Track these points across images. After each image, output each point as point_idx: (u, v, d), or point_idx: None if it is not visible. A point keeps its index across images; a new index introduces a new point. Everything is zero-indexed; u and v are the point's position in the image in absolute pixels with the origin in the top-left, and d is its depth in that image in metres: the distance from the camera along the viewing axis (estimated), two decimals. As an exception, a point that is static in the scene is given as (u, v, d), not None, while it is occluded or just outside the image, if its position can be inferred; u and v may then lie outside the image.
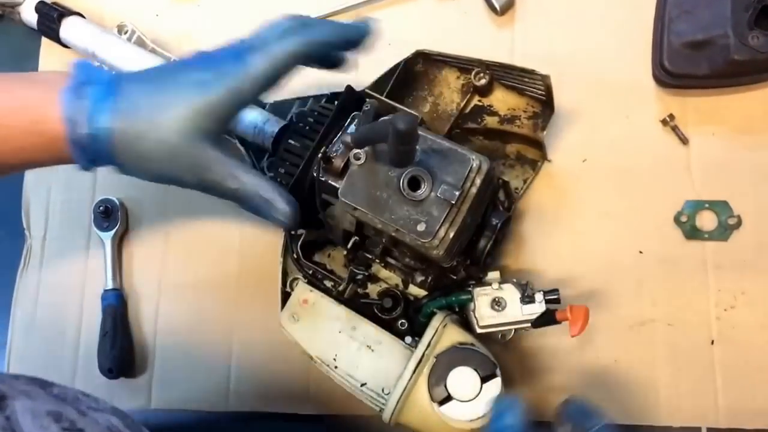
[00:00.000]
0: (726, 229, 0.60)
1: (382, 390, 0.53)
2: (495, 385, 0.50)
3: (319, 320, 0.56)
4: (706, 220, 0.61)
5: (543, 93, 0.59)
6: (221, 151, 0.47)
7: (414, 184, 0.49)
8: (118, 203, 0.67)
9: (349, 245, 0.54)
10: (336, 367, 0.55)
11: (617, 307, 0.60)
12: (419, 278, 0.55)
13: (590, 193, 0.62)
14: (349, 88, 0.56)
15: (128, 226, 0.68)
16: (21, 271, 0.68)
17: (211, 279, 0.66)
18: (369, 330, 0.55)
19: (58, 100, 0.45)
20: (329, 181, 0.52)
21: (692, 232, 0.60)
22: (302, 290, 0.58)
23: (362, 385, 0.54)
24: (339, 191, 0.50)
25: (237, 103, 0.47)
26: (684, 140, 0.62)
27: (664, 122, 0.62)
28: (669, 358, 0.59)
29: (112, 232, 0.67)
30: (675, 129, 0.62)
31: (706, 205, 0.60)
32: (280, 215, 0.48)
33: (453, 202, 0.48)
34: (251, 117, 0.60)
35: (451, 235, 0.49)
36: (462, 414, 0.50)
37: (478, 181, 0.49)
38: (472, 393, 0.50)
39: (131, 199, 0.69)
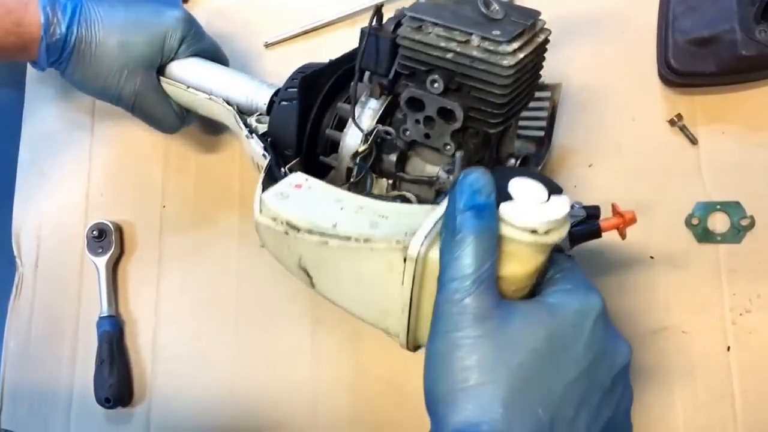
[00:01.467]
0: (739, 230, 0.58)
1: (405, 234, 0.40)
2: (563, 201, 0.38)
3: (315, 198, 0.47)
4: (719, 222, 0.59)
5: (540, 126, 0.56)
6: (157, 80, 0.59)
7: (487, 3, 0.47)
8: (111, 227, 0.66)
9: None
10: (335, 227, 0.43)
11: (629, 314, 0.58)
12: (451, 151, 0.48)
13: (598, 199, 0.60)
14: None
15: (123, 250, 0.66)
16: (12, 300, 0.67)
17: (208, 302, 0.64)
18: (380, 205, 0.45)
19: (37, 7, 0.55)
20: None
21: (704, 235, 0.58)
22: (297, 176, 0.49)
23: (366, 241, 0.41)
24: (408, 8, 0.47)
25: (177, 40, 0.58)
26: (693, 140, 0.60)
27: (671, 122, 0.60)
28: (685, 367, 0.57)
29: (106, 256, 0.65)
30: (683, 129, 0.60)
31: (718, 207, 0.59)
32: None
33: (528, 24, 0.46)
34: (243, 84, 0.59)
35: (522, 56, 0.45)
36: (531, 216, 0.37)
37: (541, 37, 0.48)
38: (539, 198, 0.38)
39: (125, 222, 0.67)
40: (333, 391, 0.61)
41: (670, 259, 0.59)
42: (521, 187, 0.38)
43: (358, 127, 0.51)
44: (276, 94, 0.57)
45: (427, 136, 0.50)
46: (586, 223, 0.47)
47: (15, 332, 0.66)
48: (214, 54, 0.62)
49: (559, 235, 0.38)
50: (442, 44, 0.46)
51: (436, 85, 0.47)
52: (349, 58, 0.55)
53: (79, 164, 0.69)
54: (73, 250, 0.67)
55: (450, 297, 0.37)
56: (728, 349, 0.57)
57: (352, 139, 0.52)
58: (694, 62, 0.58)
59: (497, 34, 0.45)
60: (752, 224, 0.58)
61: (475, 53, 0.46)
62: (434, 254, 0.39)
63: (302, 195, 0.48)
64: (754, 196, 0.58)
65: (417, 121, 0.49)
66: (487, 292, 0.37)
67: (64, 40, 0.55)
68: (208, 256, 0.65)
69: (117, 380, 0.62)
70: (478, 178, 0.39)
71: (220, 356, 0.63)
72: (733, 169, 0.59)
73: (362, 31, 0.51)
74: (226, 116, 0.58)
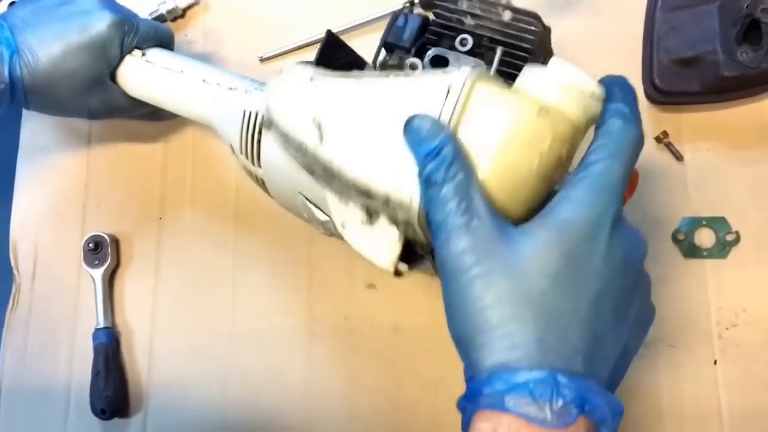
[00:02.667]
0: (725, 246, 0.59)
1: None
2: (587, 76, 0.38)
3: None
4: (705, 238, 0.60)
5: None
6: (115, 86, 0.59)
7: None
8: (107, 239, 0.66)
9: None
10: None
11: (618, 328, 0.59)
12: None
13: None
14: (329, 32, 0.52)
15: (119, 262, 0.67)
16: (9, 311, 0.67)
17: (204, 314, 0.65)
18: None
19: None
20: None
21: (690, 250, 0.60)
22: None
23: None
24: None
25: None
26: (679, 157, 0.61)
27: (657, 139, 0.62)
28: (672, 380, 0.58)
29: (102, 268, 0.66)
30: (669, 146, 0.61)
31: (704, 222, 0.60)
32: None
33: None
34: None
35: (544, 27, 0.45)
36: (540, 78, 0.37)
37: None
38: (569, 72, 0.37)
39: (122, 233, 0.68)
40: (327, 403, 0.62)
41: (658, 273, 0.59)
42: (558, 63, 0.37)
43: None
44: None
45: None
46: None
47: (12, 343, 0.67)
48: (161, 40, 0.61)
49: (572, 105, 0.36)
50: (476, 11, 0.46)
51: (466, 44, 0.47)
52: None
53: (76, 176, 0.70)
54: (70, 261, 0.67)
55: (445, 242, 0.37)
56: (715, 362, 0.58)
57: None
58: (679, 82, 0.59)
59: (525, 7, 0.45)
60: (737, 239, 0.59)
61: (506, 18, 0.45)
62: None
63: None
64: (739, 212, 0.60)
65: None
66: (482, 227, 0.36)
67: (12, 85, 0.55)
68: (204, 268, 0.66)
69: (113, 391, 0.63)
70: (419, 124, 0.39)
71: (216, 367, 0.63)
72: (719, 185, 0.60)
73: (393, 13, 0.50)
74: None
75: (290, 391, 0.62)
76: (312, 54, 0.58)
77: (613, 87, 0.42)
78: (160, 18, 0.71)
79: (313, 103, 0.46)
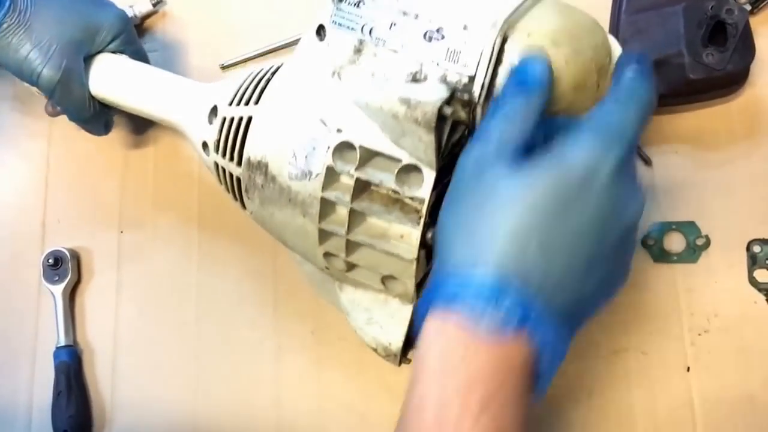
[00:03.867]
0: (695, 250, 0.58)
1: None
2: None
3: None
4: (675, 242, 0.59)
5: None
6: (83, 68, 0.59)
7: None
8: (68, 254, 0.65)
9: None
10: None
11: (589, 334, 0.58)
12: None
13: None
14: None
15: (80, 277, 0.65)
16: (-33, 331, 0.65)
17: (169, 328, 0.63)
18: None
19: None
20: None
21: (661, 255, 0.59)
22: None
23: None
24: None
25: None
26: (647, 160, 0.61)
27: (625, 143, 0.61)
28: (645, 388, 0.57)
29: (63, 284, 0.64)
30: (637, 149, 0.61)
31: (673, 227, 0.59)
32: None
33: None
34: None
35: None
36: None
37: None
38: None
39: (82, 248, 0.66)
40: (296, 418, 0.60)
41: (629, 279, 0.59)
42: None
43: None
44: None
45: None
46: None
47: (-30, 364, 0.65)
48: (139, 54, 0.62)
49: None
50: None
51: None
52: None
53: (35, 191, 0.68)
54: (30, 278, 0.66)
55: (470, 145, 0.41)
56: (688, 369, 0.57)
57: None
58: (646, 84, 0.58)
59: None
60: (707, 244, 0.58)
61: None
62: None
63: None
64: (708, 216, 0.59)
65: None
66: (505, 149, 0.39)
67: None
68: (167, 282, 0.64)
69: (75, 412, 0.61)
70: (533, 61, 0.41)
71: (181, 385, 0.62)
72: (688, 188, 0.60)
73: None
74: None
75: (259, 407, 0.61)
76: (274, 60, 0.58)
77: (630, 51, 0.45)
78: (120, 27, 0.69)
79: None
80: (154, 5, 0.69)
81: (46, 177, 0.68)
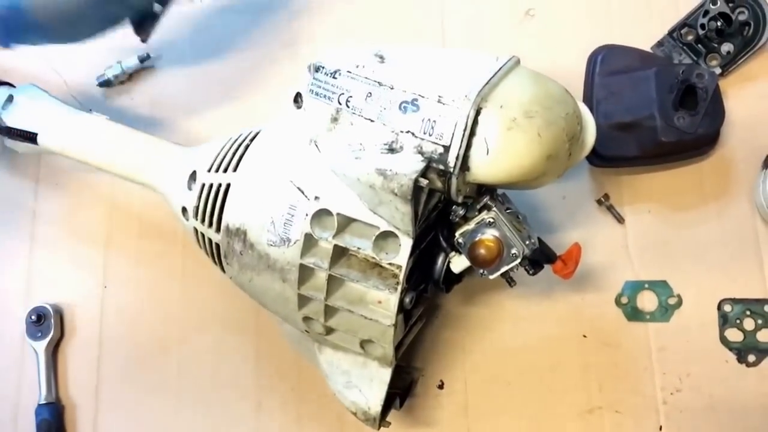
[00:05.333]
0: (667, 309, 0.59)
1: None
2: None
3: None
4: (647, 301, 0.60)
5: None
6: None
7: None
8: (51, 310, 0.65)
9: None
10: None
11: (564, 392, 0.59)
12: None
13: (531, 277, 0.62)
14: None
15: (63, 333, 0.66)
16: (-50, 388, 0.66)
17: (150, 385, 0.64)
18: None
19: None
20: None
21: (633, 314, 0.60)
22: None
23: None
24: None
25: None
26: (620, 219, 0.62)
27: (599, 202, 0.62)
28: (619, 446, 0.58)
29: (46, 341, 0.64)
30: (611, 209, 0.62)
31: (646, 286, 0.60)
32: None
33: None
34: None
35: None
36: None
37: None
38: None
39: (66, 304, 0.66)
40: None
41: (602, 337, 0.60)
42: None
43: None
44: None
45: None
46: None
47: (-48, 420, 0.65)
48: None
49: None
50: None
51: None
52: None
53: (20, 247, 0.68)
54: (13, 334, 0.66)
55: None
56: (660, 428, 0.58)
57: None
58: (617, 146, 0.59)
59: None
60: (680, 303, 0.59)
61: None
62: None
63: None
64: (680, 275, 0.60)
65: None
66: None
67: None
68: (149, 337, 0.65)
69: (56, 471, 0.61)
70: None
71: (162, 440, 0.62)
72: (660, 247, 0.61)
73: None
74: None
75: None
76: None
77: None
78: (107, 83, 0.70)
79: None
80: (142, 62, 0.70)
81: (31, 232, 0.69)
